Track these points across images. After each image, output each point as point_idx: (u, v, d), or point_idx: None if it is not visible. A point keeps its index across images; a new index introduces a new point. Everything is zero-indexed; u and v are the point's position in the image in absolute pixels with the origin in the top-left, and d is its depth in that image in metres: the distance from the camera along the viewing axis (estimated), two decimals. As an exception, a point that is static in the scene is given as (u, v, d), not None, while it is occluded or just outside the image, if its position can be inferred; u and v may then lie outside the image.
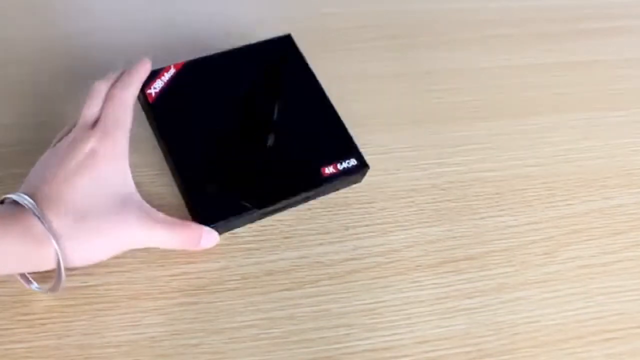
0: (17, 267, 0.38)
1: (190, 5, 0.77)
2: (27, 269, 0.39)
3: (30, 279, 0.41)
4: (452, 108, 0.60)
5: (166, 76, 0.47)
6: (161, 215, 0.42)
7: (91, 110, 0.45)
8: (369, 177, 0.51)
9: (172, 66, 0.48)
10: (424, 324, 0.40)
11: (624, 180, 0.52)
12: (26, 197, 0.38)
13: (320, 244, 0.45)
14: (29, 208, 0.37)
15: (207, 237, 0.43)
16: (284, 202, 0.45)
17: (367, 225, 0.47)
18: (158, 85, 0.47)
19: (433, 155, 0.54)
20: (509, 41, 0.72)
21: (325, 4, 0.78)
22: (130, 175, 0.43)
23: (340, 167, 0.46)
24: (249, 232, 0.46)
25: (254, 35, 0.59)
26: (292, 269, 0.43)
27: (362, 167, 0.47)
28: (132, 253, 0.44)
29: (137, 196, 0.42)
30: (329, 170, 0.46)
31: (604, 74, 0.67)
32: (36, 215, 0.37)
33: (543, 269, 0.44)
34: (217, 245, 0.45)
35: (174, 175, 0.47)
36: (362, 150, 0.51)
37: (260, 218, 0.46)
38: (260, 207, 0.44)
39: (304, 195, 0.46)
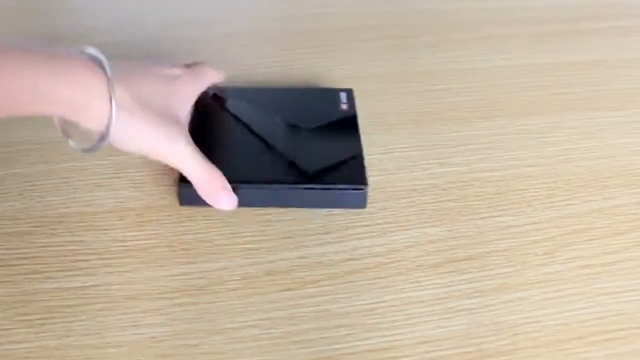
0: (65, 109, 0.39)
1: (188, 5, 0.77)
2: (72, 115, 0.40)
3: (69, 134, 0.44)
4: (452, 108, 0.60)
5: None
6: None
7: (180, 61, 0.50)
8: (368, 177, 0.51)
9: None
10: (424, 324, 0.40)
11: (624, 180, 0.52)
12: (103, 58, 0.40)
13: (320, 244, 0.45)
14: (103, 65, 0.40)
15: (227, 194, 0.45)
16: (283, 186, 0.47)
17: (367, 225, 0.47)
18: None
19: (433, 155, 0.54)
20: (509, 41, 0.72)
21: (325, 4, 0.78)
22: (189, 118, 0.47)
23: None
24: (249, 232, 0.46)
25: (255, 34, 0.59)
26: (292, 269, 0.43)
27: (359, 189, 0.48)
28: (133, 253, 0.44)
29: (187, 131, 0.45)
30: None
31: (604, 74, 0.67)
32: (106, 75, 0.39)
33: (544, 269, 0.44)
34: (217, 245, 0.45)
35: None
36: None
37: (265, 202, 0.48)
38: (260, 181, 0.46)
39: (295, 187, 0.47)
